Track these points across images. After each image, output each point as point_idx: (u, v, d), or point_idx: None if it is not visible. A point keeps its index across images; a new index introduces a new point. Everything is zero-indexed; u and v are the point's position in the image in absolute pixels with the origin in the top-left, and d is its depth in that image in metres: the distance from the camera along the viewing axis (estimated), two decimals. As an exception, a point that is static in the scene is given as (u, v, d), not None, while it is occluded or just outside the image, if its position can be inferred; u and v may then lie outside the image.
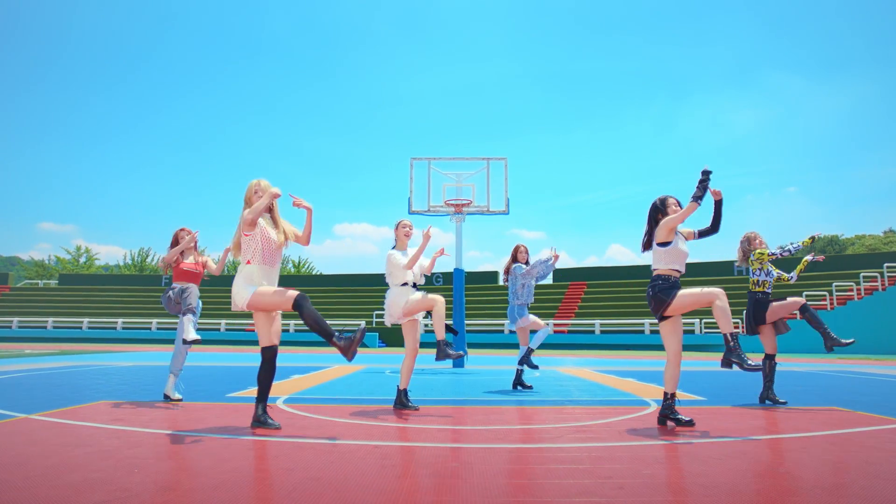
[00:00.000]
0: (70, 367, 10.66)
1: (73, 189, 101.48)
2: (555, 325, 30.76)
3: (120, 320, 35.74)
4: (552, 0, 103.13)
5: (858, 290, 27.99)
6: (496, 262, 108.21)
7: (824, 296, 28.44)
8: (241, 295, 4.31)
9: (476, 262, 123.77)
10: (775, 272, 6.39)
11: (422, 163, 12.83)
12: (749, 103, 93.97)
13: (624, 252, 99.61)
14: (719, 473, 2.97)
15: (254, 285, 4.34)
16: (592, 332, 30.17)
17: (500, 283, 42.25)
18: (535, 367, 7.48)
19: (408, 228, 5.95)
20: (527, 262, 7.64)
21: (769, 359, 6.23)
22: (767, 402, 6.13)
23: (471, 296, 36.67)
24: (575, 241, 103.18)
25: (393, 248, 5.86)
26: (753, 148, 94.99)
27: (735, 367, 4.39)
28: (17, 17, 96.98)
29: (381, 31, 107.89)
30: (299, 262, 69.74)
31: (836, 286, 28.75)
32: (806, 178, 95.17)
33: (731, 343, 4.27)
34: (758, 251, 6.23)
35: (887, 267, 28.63)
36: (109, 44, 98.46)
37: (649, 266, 4.86)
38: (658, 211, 4.83)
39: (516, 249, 7.71)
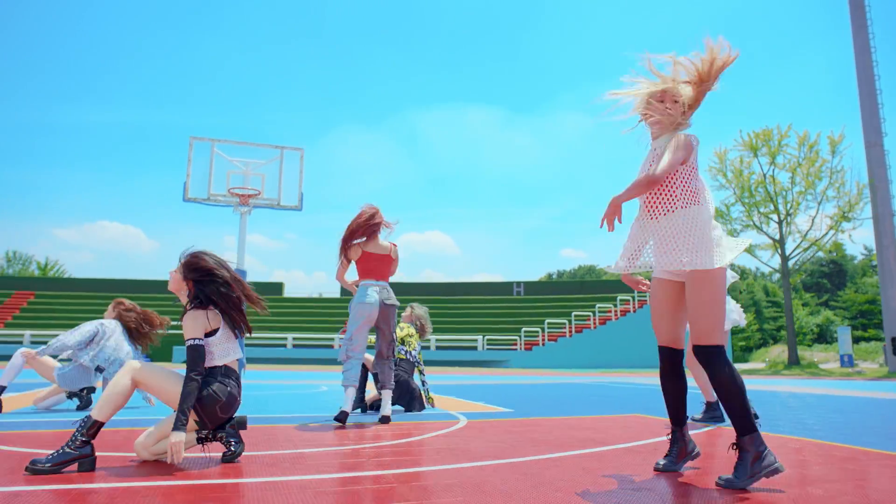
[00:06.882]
0: None
1: None
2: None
3: None
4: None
5: (614, 311, 31.46)
6: (286, 273, 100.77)
7: (588, 315, 31.45)
8: None
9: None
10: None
11: (204, 143, 10.93)
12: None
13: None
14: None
15: None
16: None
17: (286, 294, 40.08)
18: None
19: None
20: None
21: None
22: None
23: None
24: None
25: None
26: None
27: None
28: None
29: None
30: (45, 264, 60.03)
31: (598, 307, 32.00)
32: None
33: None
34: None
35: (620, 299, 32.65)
36: None
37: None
38: None
39: None
